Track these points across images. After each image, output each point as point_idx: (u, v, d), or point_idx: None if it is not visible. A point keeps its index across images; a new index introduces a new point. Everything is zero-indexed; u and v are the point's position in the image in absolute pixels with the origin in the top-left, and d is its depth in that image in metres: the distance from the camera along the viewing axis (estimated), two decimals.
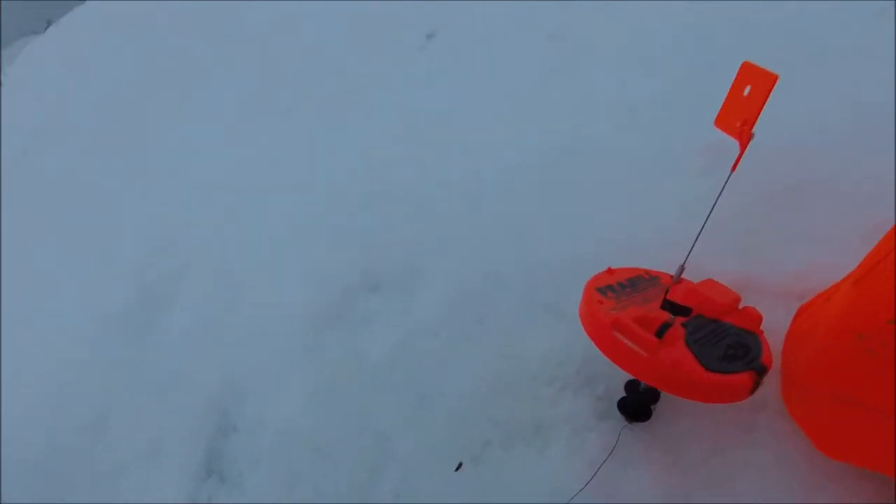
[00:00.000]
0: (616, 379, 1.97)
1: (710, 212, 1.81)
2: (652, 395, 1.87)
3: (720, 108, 1.81)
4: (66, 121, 4.58)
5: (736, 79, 1.77)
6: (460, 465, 2.07)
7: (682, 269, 1.89)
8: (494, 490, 1.98)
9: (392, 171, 2.98)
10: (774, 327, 1.79)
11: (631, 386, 1.90)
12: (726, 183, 1.79)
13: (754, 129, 1.71)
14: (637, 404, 1.88)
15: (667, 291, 1.82)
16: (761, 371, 1.66)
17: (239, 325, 2.80)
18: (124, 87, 4.71)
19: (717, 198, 1.80)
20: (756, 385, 1.63)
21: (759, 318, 1.78)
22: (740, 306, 1.83)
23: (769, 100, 1.65)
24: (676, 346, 1.68)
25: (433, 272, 2.47)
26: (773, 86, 1.63)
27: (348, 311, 2.52)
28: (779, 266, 1.95)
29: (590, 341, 1.85)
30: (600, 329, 1.73)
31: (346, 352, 2.42)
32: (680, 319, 1.78)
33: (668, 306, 1.80)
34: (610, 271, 1.95)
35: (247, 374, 2.62)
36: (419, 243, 2.59)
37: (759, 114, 1.69)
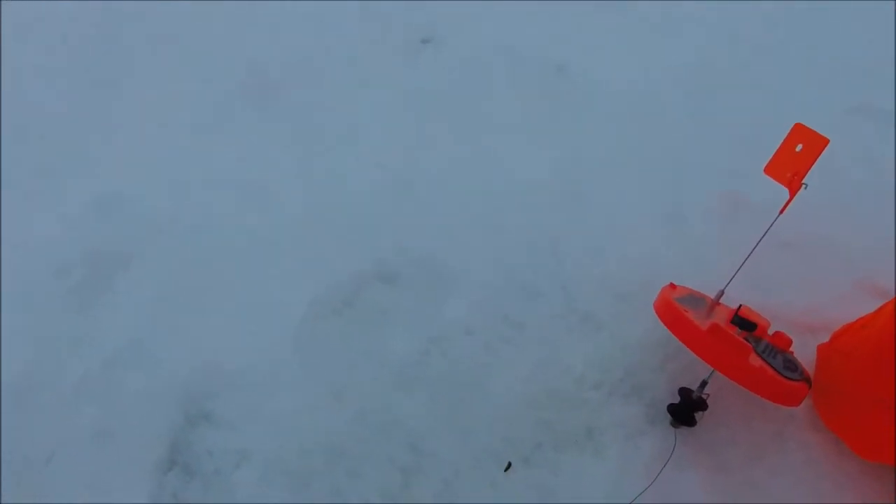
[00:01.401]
0: (660, 388, 2.10)
1: (754, 248, 2.06)
2: (700, 404, 2.02)
3: (771, 158, 2.10)
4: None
5: (788, 136, 2.07)
6: (509, 465, 2.00)
7: (721, 292, 2.12)
8: (549, 491, 1.95)
9: (409, 173, 2.86)
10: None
11: (684, 393, 2.04)
12: (773, 223, 2.06)
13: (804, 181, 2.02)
14: (688, 410, 2.02)
15: (738, 308, 2.03)
16: (810, 383, 1.95)
17: (226, 307, 2.41)
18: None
19: (763, 236, 2.06)
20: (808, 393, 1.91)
21: (791, 341, 2.06)
22: (770, 331, 2.11)
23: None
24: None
25: (456, 271, 2.40)
26: (823, 148, 1.95)
27: (359, 301, 2.32)
28: (781, 301, 2.27)
29: (629, 351, 2.15)
30: (695, 334, 1.88)
31: (363, 343, 2.20)
32: (743, 334, 2.00)
33: (739, 321, 2.01)
34: (672, 286, 2.11)
35: (228, 358, 2.26)
36: (440, 241, 2.49)
37: (809, 169, 2.00)
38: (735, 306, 2.07)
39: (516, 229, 2.54)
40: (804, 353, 2.12)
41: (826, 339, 2.14)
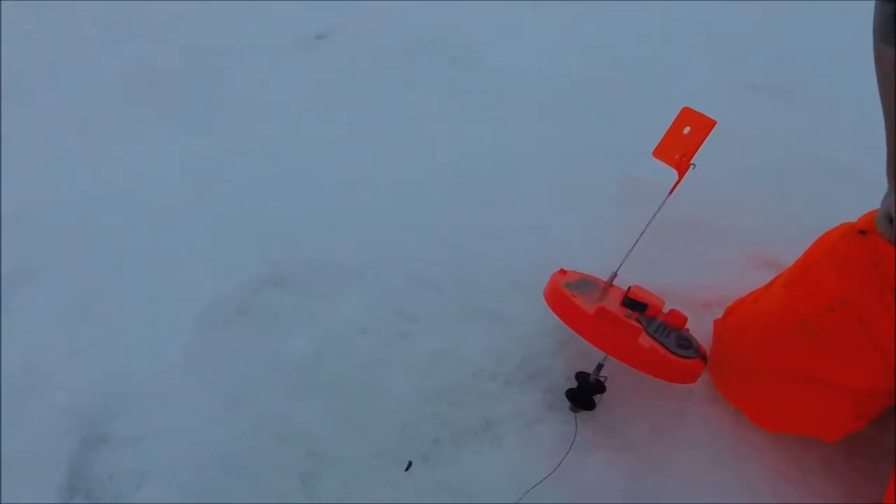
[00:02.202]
0: (556, 374, 2.09)
1: (644, 229, 2.08)
2: (598, 387, 2.02)
3: (659, 141, 2.12)
4: None
5: (676, 120, 2.09)
6: (410, 464, 1.96)
7: (614, 275, 2.12)
8: (450, 486, 1.91)
9: (297, 164, 2.78)
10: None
11: (581, 377, 2.03)
12: (662, 204, 2.08)
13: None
14: (586, 394, 2.02)
15: (628, 290, 2.03)
16: (706, 359, 1.98)
17: (118, 323, 2.28)
18: None
19: (653, 217, 2.07)
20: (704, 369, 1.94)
21: (686, 319, 2.08)
22: (665, 309, 2.13)
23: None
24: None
25: (349, 269, 2.33)
26: (710, 130, 1.99)
27: (252, 307, 2.23)
28: (675, 280, 2.30)
29: (525, 339, 2.15)
30: (582, 319, 1.88)
31: (257, 351, 2.13)
32: (635, 315, 2.01)
33: (629, 302, 2.01)
34: (563, 272, 2.11)
35: (122, 375, 2.15)
36: (329, 240, 2.42)
37: (696, 150, 2.02)
38: (628, 288, 2.09)
39: (411, 223, 2.50)
40: (701, 329, 2.15)
41: (721, 314, 2.18)
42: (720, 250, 2.37)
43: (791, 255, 2.17)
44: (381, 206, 2.62)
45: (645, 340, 1.88)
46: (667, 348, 1.89)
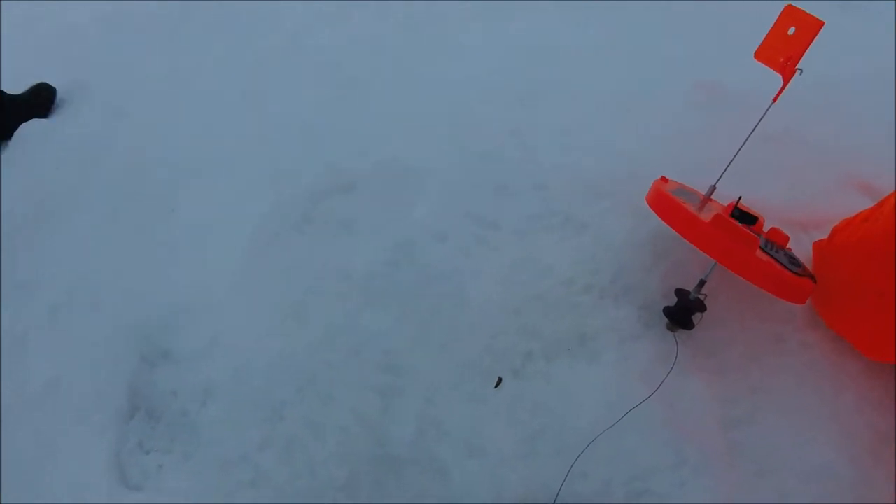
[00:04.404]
0: (652, 289, 1.95)
1: (746, 140, 1.91)
2: (698, 306, 1.88)
3: (761, 42, 1.93)
4: None
5: (779, 19, 1.90)
6: (500, 381, 1.81)
7: (713, 188, 1.96)
8: (544, 404, 1.79)
9: (361, 72, 2.56)
10: None
11: (681, 294, 1.89)
12: (766, 113, 1.90)
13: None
14: (686, 312, 1.87)
15: (738, 201, 1.87)
16: (815, 279, 1.83)
17: (176, 236, 2.12)
18: None
19: (755, 127, 1.90)
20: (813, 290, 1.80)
21: (787, 238, 1.93)
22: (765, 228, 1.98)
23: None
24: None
25: (419, 174, 2.15)
26: (817, 31, 1.80)
27: (319, 214, 2.05)
28: (771, 198, 2.14)
29: (616, 251, 1.97)
30: (696, 226, 1.73)
31: (326, 259, 1.94)
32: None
33: (738, 214, 1.85)
34: (664, 179, 1.94)
35: (183, 288, 1.99)
36: (398, 144, 2.23)
37: (803, 53, 1.84)
38: (723, 203, 1.93)
39: (481, 124, 2.30)
40: (798, 250, 2.01)
41: (819, 236, 2.04)
42: (813, 169, 2.21)
43: (887, 179, 2.04)
44: (448, 108, 2.41)
45: (761, 254, 1.74)
46: (781, 264, 1.75)
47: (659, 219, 1.86)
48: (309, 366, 1.86)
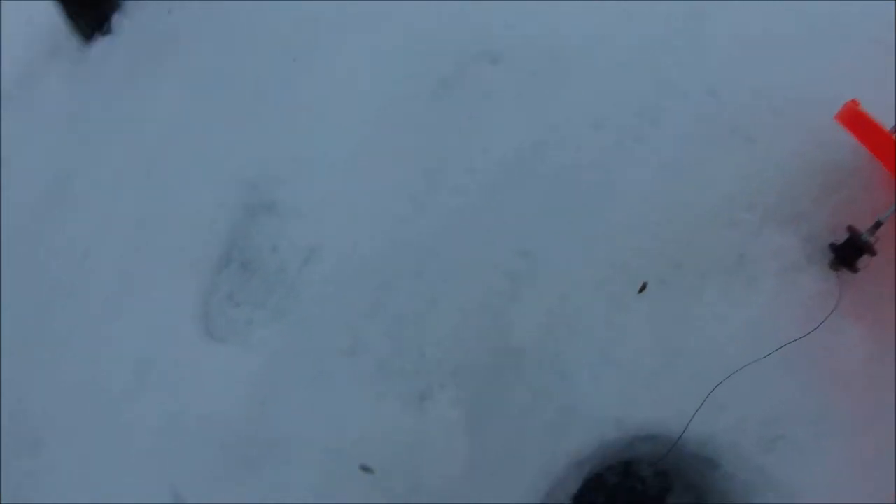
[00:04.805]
0: (819, 221, 1.74)
1: None
2: (868, 248, 1.68)
3: None
4: None
5: None
6: (644, 286, 1.62)
7: None
8: (686, 321, 1.61)
9: None
10: None
11: (853, 231, 1.69)
12: None
13: None
14: (854, 253, 1.67)
15: None
16: None
17: (300, 79, 1.93)
18: None
19: None
20: None
21: None
22: None
23: None
24: None
25: (576, 53, 1.92)
26: None
27: (460, 81, 1.84)
28: None
29: (785, 173, 1.76)
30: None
31: (464, 128, 1.74)
32: None
33: None
34: (855, 103, 1.72)
35: (300, 137, 1.81)
36: (554, 16, 1.98)
37: None
38: None
39: (651, 11, 2.03)
40: None
41: None
42: None
43: None
44: None
45: None
46: None
47: (835, 149, 1.72)
48: (433, 238, 1.68)
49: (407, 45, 2.00)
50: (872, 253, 1.70)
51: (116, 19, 2.43)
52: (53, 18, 2.43)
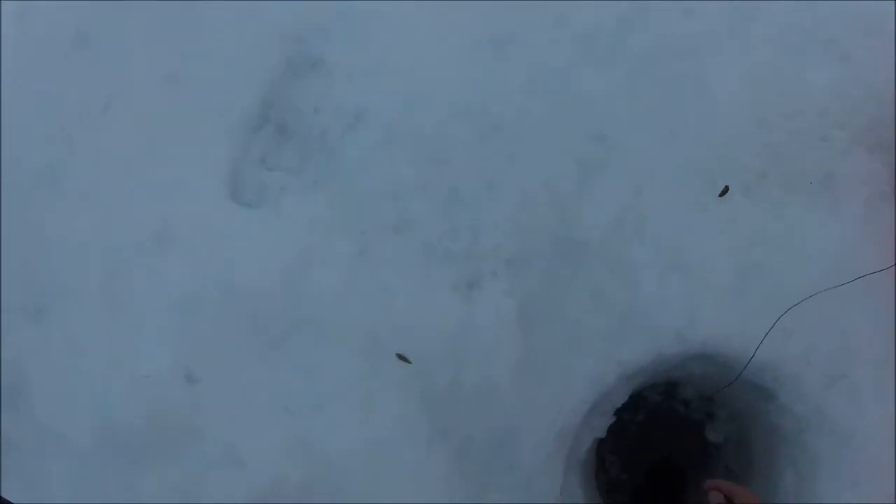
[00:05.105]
0: None
1: None
2: None
3: None
4: None
5: None
6: (726, 189, 1.48)
7: None
8: (766, 233, 1.48)
9: None
10: None
11: None
12: None
13: None
14: None
15: None
16: None
17: None
18: None
19: None
20: None
21: None
22: None
23: None
24: None
25: None
26: None
27: None
28: None
29: (879, 97, 1.61)
30: None
31: (534, 3, 1.55)
32: None
33: None
34: None
35: None
36: None
37: None
38: None
39: None
40: None
41: None
42: None
43: None
44: None
45: None
46: None
47: None
48: (499, 110, 1.51)
49: None
50: None
51: None
52: None
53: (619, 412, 1.53)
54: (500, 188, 1.46)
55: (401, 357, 1.43)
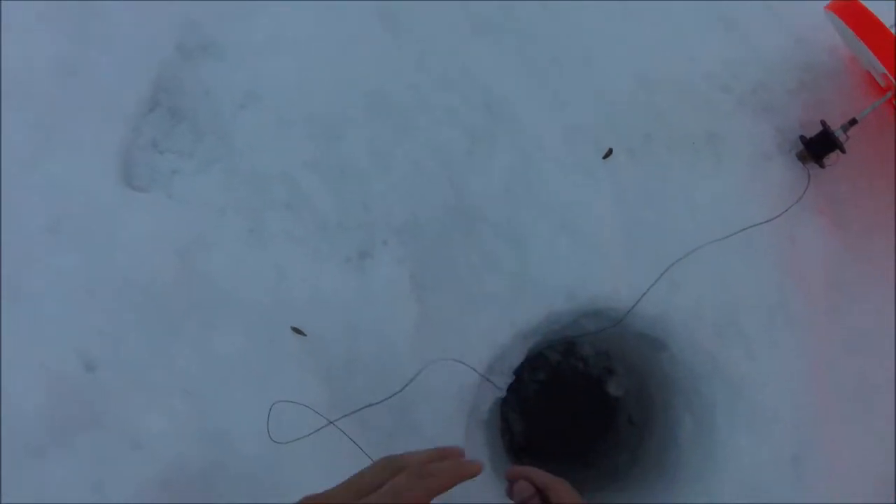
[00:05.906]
0: (792, 114, 1.71)
1: None
2: (838, 144, 1.63)
3: None
4: None
5: None
6: (610, 151, 1.52)
7: None
8: (650, 189, 1.54)
9: None
10: None
11: (826, 126, 1.63)
12: None
13: None
14: (824, 147, 1.62)
15: None
16: None
17: None
18: None
19: None
20: None
21: None
22: None
23: None
24: None
25: None
26: None
27: None
28: None
29: (765, 63, 1.74)
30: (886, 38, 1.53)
31: None
32: None
33: None
34: None
35: None
36: None
37: None
38: None
39: None
40: None
41: None
42: None
43: None
44: None
45: None
46: None
47: (815, 51, 1.75)
48: (388, 84, 1.52)
49: None
50: (842, 150, 1.65)
51: None
52: None
53: (518, 372, 1.55)
54: (390, 159, 1.48)
55: (296, 330, 1.43)
